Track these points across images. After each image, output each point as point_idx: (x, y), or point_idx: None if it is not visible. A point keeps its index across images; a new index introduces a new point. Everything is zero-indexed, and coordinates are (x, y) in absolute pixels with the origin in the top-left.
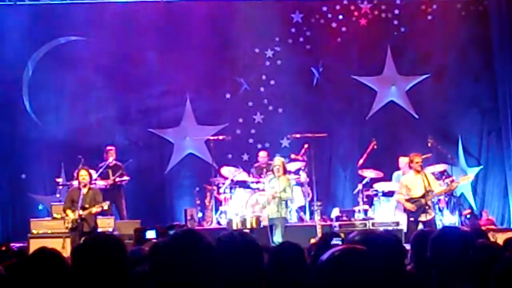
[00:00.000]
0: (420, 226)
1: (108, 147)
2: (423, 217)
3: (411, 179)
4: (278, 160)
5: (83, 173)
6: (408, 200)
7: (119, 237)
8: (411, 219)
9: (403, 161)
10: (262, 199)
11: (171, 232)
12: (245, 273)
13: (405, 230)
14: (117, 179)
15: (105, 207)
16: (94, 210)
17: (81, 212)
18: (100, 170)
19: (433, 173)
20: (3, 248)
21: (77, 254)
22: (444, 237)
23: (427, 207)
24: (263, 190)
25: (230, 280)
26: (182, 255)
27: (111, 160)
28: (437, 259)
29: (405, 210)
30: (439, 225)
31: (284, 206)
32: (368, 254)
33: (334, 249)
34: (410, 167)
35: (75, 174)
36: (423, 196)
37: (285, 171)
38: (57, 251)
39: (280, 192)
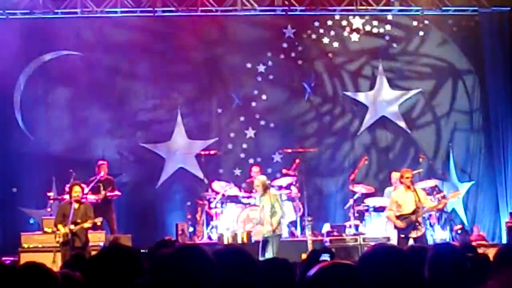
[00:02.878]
0: (411, 242)
1: (100, 162)
2: (413, 234)
3: (402, 195)
4: (257, 180)
5: (76, 189)
6: (398, 217)
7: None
8: (402, 235)
9: (395, 176)
10: (253, 214)
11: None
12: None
13: None
14: (108, 194)
15: (98, 223)
16: (86, 225)
17: (72, 227)
18: (92, 185)
19: (424, 189)
20: None
21: (95, 264)
22: (441, 255)
23: (417, 224)
24: (254, 205)
25: None
26: (184, 268)
27: (102, 174)
28: (437, 277)
29: (395, 226)
30: (429, 241)
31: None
32: (355, 269)
33: (321, 264)
34: (401, 182)
35: (67, 189)
36: (413, 213)
37: (265, 189)
38: (45, 266)
39: (269, 213)
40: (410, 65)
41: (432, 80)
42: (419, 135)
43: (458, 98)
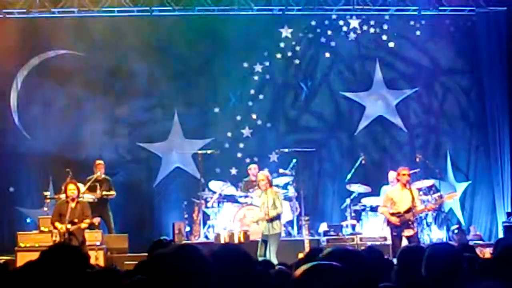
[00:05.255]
0: (404, 241)
1: (97, 161)
2: (406, 232)
3: (397, 193)
4: (262, 175)
5: (71, 187)
6: (392, 214)
7: (81, 247)
8: (394, 233)
9: (392, 175)
10: (250, 213)
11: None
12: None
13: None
14: (104, 193)
15: (96, 223)
16: (83, 225)
17: (69, 226)
18: (88, 184)
19: (421, 188)
20: None
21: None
22: (438, 254)
23: (410, 223)
24: (251, 204)
25: None
26: (182, 267)
27: (99, 174)
28: (434, 276)
29: (388, 223)
30: (426, 240)
31: (276, 221)
32: (342, 270)
33: (306, 266)
34: (398, 180)
35: (63, 188)
36: (408, 211)
37: (271, 184)
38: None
39: (269, 208)
40: (407, 64)
41: (429, 80)
42: (416, 135)
43: (454, 97)
